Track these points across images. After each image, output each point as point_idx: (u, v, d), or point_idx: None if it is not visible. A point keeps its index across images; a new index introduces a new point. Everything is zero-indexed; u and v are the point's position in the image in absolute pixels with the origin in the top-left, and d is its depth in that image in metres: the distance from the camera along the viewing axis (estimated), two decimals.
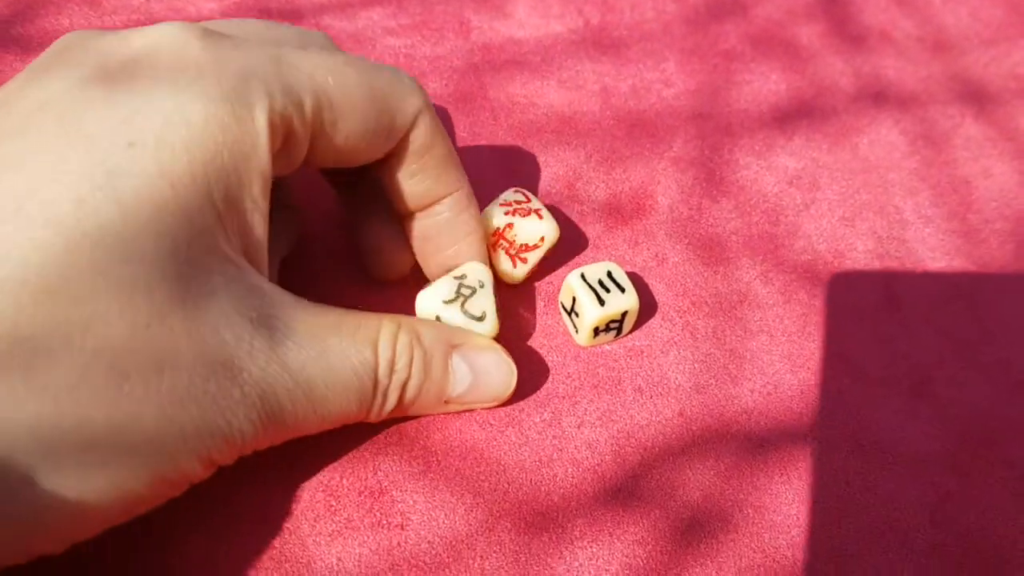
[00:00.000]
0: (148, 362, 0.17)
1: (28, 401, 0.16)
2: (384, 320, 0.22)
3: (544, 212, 0.26)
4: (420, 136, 0.23)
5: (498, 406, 0.25)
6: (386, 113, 0.22)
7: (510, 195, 0.27)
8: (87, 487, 0.17)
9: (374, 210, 0.26)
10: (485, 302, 0.24)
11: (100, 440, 0.17)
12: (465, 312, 0.24)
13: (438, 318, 0.24)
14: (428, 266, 0.26)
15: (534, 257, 0.27)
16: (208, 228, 0.18)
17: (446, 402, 0.24)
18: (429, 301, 0.24)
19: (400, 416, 0.24)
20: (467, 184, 0.25)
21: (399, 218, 0.26)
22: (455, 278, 0.25)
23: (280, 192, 0.25)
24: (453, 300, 0.24)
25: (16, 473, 0.16)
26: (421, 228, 0.25)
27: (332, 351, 0.20)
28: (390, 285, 0.27)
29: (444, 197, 0.25)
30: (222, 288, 0.19)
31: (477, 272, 0.25)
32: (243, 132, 0.19)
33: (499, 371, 0.24)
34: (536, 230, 0.26)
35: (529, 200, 0.27)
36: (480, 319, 0.24)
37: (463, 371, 0.23)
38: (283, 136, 0.20)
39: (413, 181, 0.24)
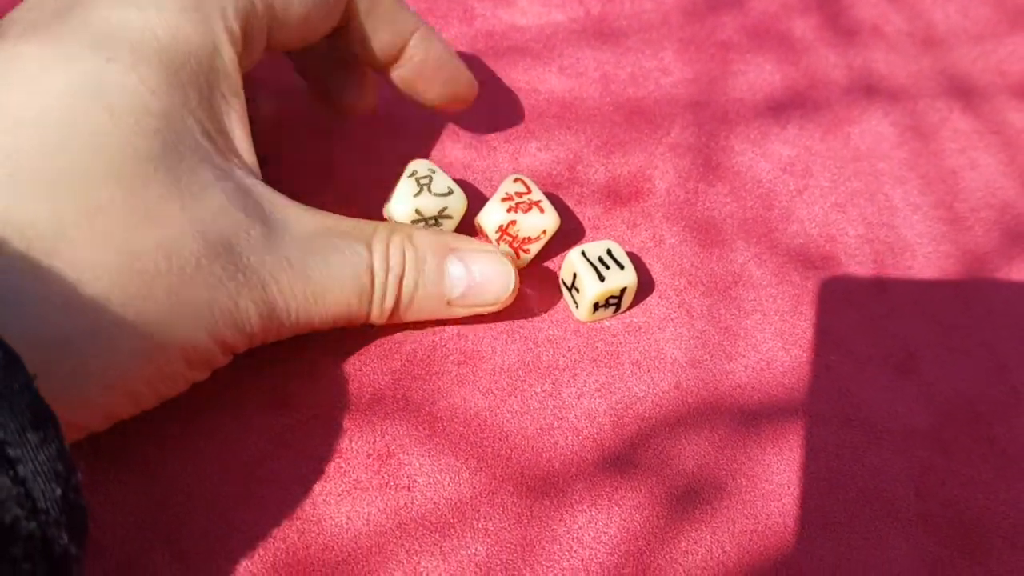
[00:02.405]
0: (155, 244, 0.19)
1: (52, 281, 0.17)
2: (378, 224, 0.24)
3: (545, 204, 0.27)
4: None
5: (499, 313, 0.26)
6: None
7: (510, 186, 0.27)
8: (116, 357, 0.18)
9: (335, 67, 0.28)
10: (443, 180, 0.27)
11: (123, 313, 0.18)
12: (434, 194, 0.26)
13: (417, 211, 0.26)
14: (429, 99, 0.28)
15: (536, 247, 0.27)
16: (189, 129, 0.20)
17: (449, 304, 0.25)
18: (400, 204, 0.26)
19: (405, 321, 0.25)
20: (423, 21, 0.27)
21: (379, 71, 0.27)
22: (408, 177, 0.26)
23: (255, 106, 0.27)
24: (419, 192, 0.26)
25: (55, 350, 0.17)
26: (403, 76, 0.27)
27: (328, 246, 0.22)
28: (366, 206, 0.28)
29: (408, 39, 0.26)
30: (213, 183, 0.20)
31: (421, 164, 0.27)
32: (204, 39, 0.21)
33: (497, 273, 0.25)
34: (538, 223, 0.27)
35: (529, 191, 0.27)
36: (448, 194, 0.26)
37: (459, 272, 0.24)
38: (243, 33, 0.22)
39: (374, 35, 0.26)
